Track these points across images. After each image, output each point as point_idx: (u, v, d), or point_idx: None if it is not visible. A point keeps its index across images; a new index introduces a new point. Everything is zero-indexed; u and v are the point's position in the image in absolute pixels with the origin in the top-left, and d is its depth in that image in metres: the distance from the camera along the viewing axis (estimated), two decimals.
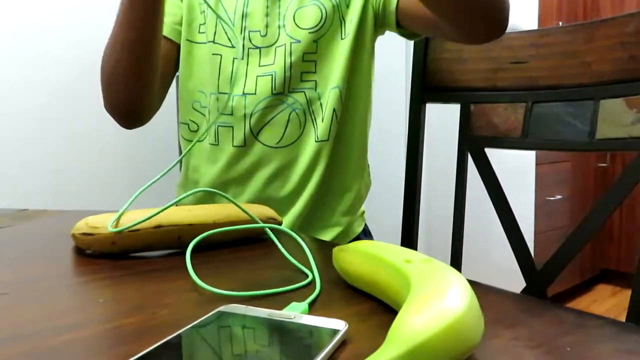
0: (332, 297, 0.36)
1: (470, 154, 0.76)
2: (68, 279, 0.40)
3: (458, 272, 0.30)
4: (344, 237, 0.78)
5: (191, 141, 0.78)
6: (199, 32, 0.76)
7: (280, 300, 0.34)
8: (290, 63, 0.72)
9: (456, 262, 0.76)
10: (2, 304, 0.33)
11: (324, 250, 0.50)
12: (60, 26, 1.36)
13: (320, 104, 0.74)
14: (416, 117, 0.82)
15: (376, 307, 0.34)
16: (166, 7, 0.72)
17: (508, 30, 0.66)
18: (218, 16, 0.71)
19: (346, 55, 0.74)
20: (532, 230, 2.05)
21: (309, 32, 0.73)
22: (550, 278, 0.66)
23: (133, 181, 1.45)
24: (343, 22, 0.75)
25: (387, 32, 0.80)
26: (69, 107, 1.36)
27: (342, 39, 0.74)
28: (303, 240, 0.46)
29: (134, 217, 0.46)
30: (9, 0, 1.27)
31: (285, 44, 0.73)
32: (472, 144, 0.76)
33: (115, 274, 0.41)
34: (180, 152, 0.83)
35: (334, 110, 0.74)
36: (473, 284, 0.38)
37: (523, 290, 0.68)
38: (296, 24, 0.73)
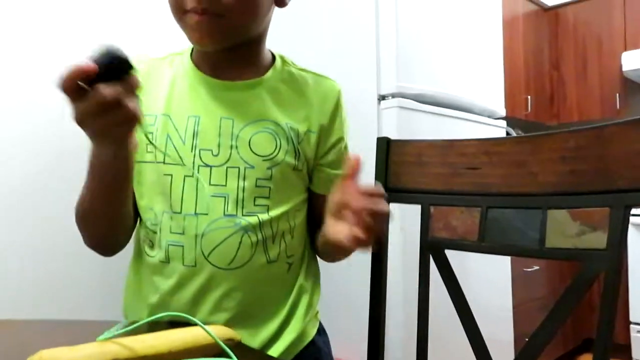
0: None
1: (432, 256, 0.78)
2: None
3: None
4: (299, 342, 0.78)
5: (145, 252, 0.78)
6: (147, 151, 0.75)
7: None
8: (244, 187, 0.73)
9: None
10: None
11: None
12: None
13: (271, 227, 0.75)
14: None
15: None
16: None
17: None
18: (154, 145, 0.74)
19: (301, 187, 0.80)
20: (510, 302, 2.05)
21: (263, 160, 0.75)
22: None
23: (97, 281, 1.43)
24: (298, 155, 0.78)
25: None
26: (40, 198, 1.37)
27: (294, 169, 0.78)
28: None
29: (90, 351, 0.47)
30: None
31: (238, 167, 0.74)
32: (433, 246, 0.79)
33: None
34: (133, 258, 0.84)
35: (284, 232, 0.77)
36: None
37: None
38: (251, 149, 0.74)
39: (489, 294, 1.82)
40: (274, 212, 0.75)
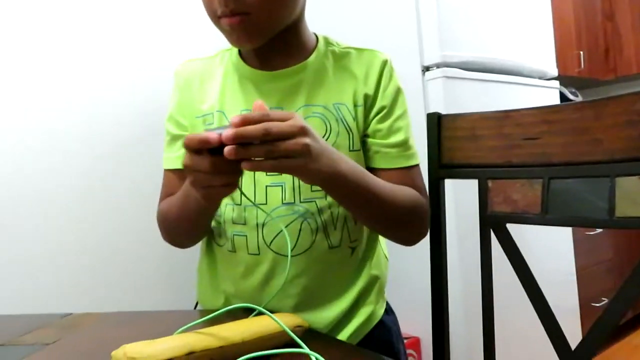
0: None
1: (493, 230, 0.77)
2: None
3: None
4: (368, 323, 0.79)
5: (216, 242, 0.81)
6: None
7: None
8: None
9: (488, 332, 0.76)
10: None
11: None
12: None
13: (331, 213, 0.75)
14: (435, 193, 0.84)
15: None
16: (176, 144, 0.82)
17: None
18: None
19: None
20: (573, 267, 1.98)
21: None
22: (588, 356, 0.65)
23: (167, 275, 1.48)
24: (351, 134, 0.76)
25: None
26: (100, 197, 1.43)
27: (350, 150, 0.76)
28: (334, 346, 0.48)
29: (168, 344, 0.49)
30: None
31: None
32: (493, 220, 0.77)
33: None
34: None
35: (345, 218, 0.76)
36: None
37: None
38: None
39: (550, 260, 1.77)
40: (331, 198, 0.74)
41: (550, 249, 1.80)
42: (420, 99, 1.52)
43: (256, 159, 0.53)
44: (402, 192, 0.74)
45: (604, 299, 2.22)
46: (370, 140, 0.78)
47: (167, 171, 0.83)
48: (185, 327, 0.55)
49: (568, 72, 2.70)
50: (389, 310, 0.86)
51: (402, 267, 1.55)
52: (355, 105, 0.77)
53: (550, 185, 0.72)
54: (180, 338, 0.51)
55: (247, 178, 0.74)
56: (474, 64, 1.58)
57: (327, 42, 0.82)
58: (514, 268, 0.74)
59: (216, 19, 0.70)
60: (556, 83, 1.91)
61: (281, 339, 0.54)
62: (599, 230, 2.28)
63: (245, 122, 0.52)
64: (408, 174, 0.78)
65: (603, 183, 0.66)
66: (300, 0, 0.75)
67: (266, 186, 0.74)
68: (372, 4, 1.64)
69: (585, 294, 2.02)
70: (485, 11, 1.65)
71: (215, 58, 0.83)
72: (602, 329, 0.64)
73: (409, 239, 0.78)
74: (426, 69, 1.53)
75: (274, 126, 0.52)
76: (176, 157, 0.80)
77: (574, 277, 1.97)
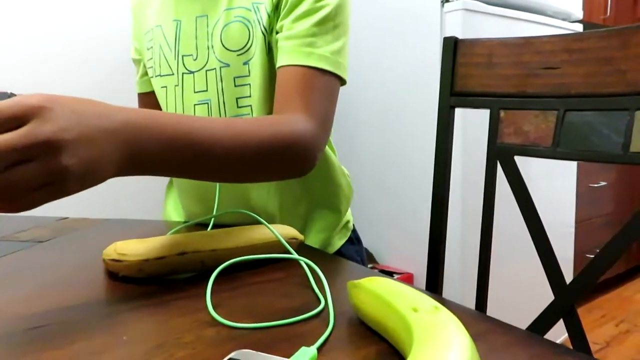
0: (342, 337, 0.37)
1: (500, 163, 0.75)
2: (99, 308, 0.43)
3: (462, 327, 0.30)
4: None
5: None
6: (149, 67, 0.76)
7: (293, 337, 0.36)
8: (222, 89, 0.68)
9: (483, 271, 0.76)
10: (40, 337, 0.36)
11: (342, 273, 0.51)
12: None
13: None
14: (444, 121, 0.81)
15: (385, 351, 0.35)
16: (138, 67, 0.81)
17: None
18: None
19: (273, 71, 0.67)
20: (573, 218, 1.98)
21: (238, 54, 0.67)
22: (579, 294, 0.65)
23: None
24: (266, 35, 0.67)
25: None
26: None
27: (267, 54, 0.67)
28: (324, 258, 0.47)
29: (160, 244, 0.48)
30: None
31: (215, 68, 0.68)
32: (502, 152, 0.75)
33: (142, 303, 0.43)
34: None
35: None
36: (484, 320, 0.38)
37: (550, 304, 0.67)
38: (223, 46, 0.67)
39: (551, 210, 1.76)
40: (260, 112, 0.68)
41: (553, 199, 1.79)
42: (437, 32, 1.45)
43: None
44: (255, 129, 0.53)
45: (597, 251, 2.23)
46: (276, 36, 0.66)
47: (139, 95, 0.85)
48: (177, 227, 0.54)
49: (593, 19, 2.59)
50: (354, 240, 0.83)
51: (401, 201, 1.55)
52: (272, 2, 0.67)
53: (565, 117, 0.69)
54: (172, 238, 0.50)
55: (179, 97, 0.71)
56: None
57: None
58: (518, 202, 0.72)
59: None
60: (580, 26, 1.82)
61: (275, 250, 0.54)
62: (603, 183, 2.26)
63: None
64: (305, 77, 0.62)
65: (621, 116, 0.63)
66: None
67: (194, 105, 0.70)
68: None
69: (581, 246, 2.03)
70: None
71: None
72: (590, 276, 0.63)
73: (286, 177, 0.60)
74: (446, 0, 1.46)
75: None
76: (139, 82, 0.83)
77: (572, 229, 1.97)
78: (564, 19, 1.76)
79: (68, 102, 0.38)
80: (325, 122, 0.62)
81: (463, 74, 0.79)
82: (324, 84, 0.63)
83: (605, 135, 0.64)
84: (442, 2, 1.45)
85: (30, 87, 1.31)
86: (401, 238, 1.56)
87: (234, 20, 0.67)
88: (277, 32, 0.66)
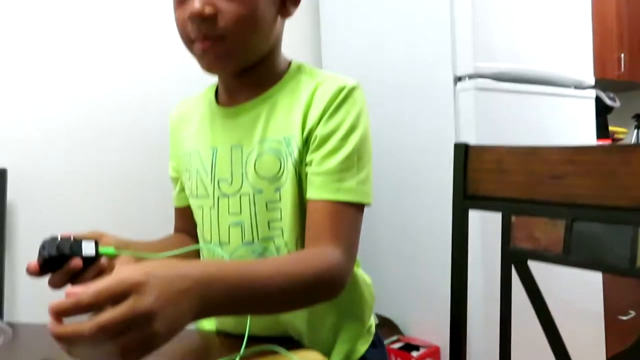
0: None
1: (514, 266, 0.78)
2: None
3: None
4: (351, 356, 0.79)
5: None
6: (187, 187, 0.83)
7: None
8: (255, 213, 0.73)
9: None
10: None
11: None
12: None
13: (288, 252, 0.73)
14: (459, 223, 0.85)
15: None
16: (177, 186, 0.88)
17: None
18: None
19: (302, 197, 0.73)
20: (602, 307, 1.90)
21: (270, 182, 0.73)
22: None
23: None
24: (297, 165, 0.72)
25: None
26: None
27: (297, 182, 0.73)
28: None
29: None
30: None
31: (249, 193, 0.74)
32: (515, 255, 0.78)
33: None
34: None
35: None
36: None
37: None
38: (257, 174, 0.73)
39: (577, 298, 1.71)
40: (290, 235, 0.73)
41: (578, 287, 1.73)
42: (451, 110, 1.51)
43: None
44: (300, 270, 0.61)
45: (631, 312, 2.16)
46: (306, 168, 0.73)
47: (176, 209, 0.91)
48: None
49: (607, 76, 2.62)
50: (376, 342, 0.85)
51: (425, 275, 1.57)
52: (302, 135, 0.73)
53: (573, 226, 0.72)
54: None
55: (214, 218, 0.77)
56: (507, 74, 1.56)
57: (300, 71, 0.78)
58: (534, 306, 0.75)
59: (189, 43, 0.71)
60: (592, 92, 1.86)
61: None
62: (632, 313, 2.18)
63: (60, 312, 0.41)
64: (334, 211, 0.69)
65: (626, 230, 0.66)
66: (276, 29, 0.74)
67: (229, 225, 0.75)
68: (406, 13, 1.63)
69: (611, 305, 1.97)
70: (521, 19, 1.62)
71: (200, 97, 0.86)
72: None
73: (319, 303, 0.67)
74: (458, 79, 1.52)
75: (104, 320, 0.40)
76: (177, 197, 0.89)
77: (600, 285, 1.91)
78: (575, 87, 1.80)
79: (159, 271, 0.45)
80: (351, 249, 0.69)
81: (474, 179, 0.84)
82: (351, 215, 0.70)
83: (612, 248, 0.67)
84: (454, 81, 1.52)
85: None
86: (424, 307, 1.57)
87: (267, 151, 0.73)
88: (306, 164, 0.73)
